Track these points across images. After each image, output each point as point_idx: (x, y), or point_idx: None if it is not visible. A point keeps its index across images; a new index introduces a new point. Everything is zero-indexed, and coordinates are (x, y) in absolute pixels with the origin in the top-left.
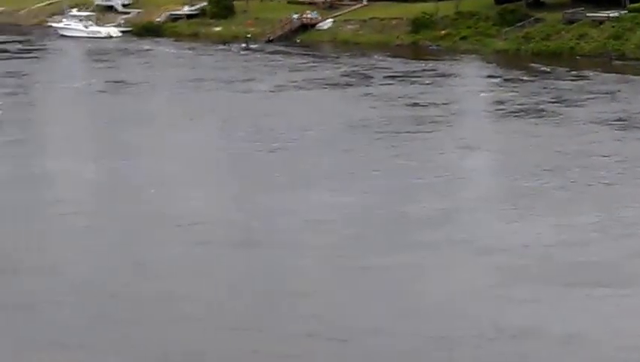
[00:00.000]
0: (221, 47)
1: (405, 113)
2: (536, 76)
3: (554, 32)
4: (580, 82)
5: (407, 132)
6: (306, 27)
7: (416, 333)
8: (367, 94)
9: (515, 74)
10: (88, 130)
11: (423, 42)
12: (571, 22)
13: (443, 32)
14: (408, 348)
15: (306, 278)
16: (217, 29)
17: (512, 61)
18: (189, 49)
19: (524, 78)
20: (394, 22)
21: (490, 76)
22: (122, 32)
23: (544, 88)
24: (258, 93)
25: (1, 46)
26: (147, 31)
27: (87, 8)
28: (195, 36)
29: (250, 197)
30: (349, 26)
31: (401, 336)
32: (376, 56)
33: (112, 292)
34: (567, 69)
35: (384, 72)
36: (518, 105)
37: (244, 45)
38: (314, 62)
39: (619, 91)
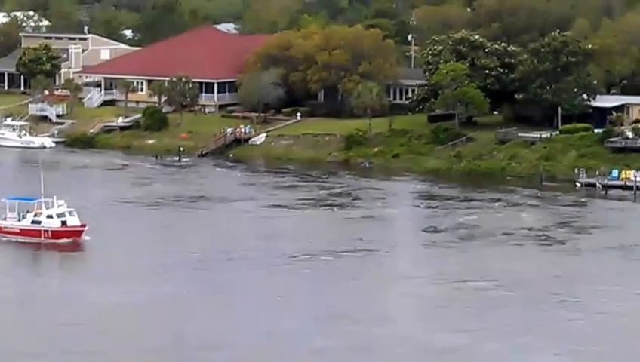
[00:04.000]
0: (154, 160)
1: None
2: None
3: (486, 151)
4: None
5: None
6: (240, 141)
7: None
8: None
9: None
10: None
11: (355, 160)
12: (503, 142)
13: (376, 149)
14: None
15: None
16: (151, 141)
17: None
18: (122, 162)
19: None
20: (327, 138)
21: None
22: (56, 142)
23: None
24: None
25: None
26: (80, 142)
27: (21, 118)
28: (128, 148)
29: None
30: (283, 141)
31: None
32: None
33: None
34: (496, 190)
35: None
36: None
37: (176, 159)
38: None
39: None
